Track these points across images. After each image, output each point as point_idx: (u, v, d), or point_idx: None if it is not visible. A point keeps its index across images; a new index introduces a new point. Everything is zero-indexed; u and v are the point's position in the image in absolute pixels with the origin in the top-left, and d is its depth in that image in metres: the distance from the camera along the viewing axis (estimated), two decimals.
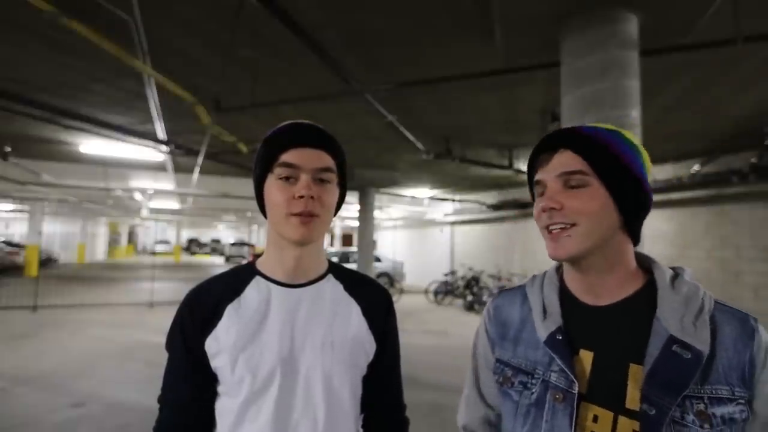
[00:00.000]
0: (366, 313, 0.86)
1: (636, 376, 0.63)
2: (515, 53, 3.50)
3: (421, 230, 17.89)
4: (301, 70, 3.99)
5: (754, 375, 0.61)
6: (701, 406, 0.59)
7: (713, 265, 7.09)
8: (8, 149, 6.98)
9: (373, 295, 0.90)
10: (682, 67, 3.81)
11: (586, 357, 0.68)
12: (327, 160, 0.80)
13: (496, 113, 5.20)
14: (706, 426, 0.59)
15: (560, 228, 0.68)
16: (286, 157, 0.77)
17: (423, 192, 12.03)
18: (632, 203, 0.68)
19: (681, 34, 3.08)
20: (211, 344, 0.79)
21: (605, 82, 2.66)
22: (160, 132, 5.11)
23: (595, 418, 0.64)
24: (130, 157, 7.48)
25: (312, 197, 0.76)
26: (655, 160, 7.57)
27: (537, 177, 0.72)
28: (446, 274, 12.55)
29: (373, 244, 11.62)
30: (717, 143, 6.36)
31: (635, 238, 0.71)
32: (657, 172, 7.72)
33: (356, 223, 10.00)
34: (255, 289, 0.83)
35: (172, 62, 3.85)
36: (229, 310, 0.81)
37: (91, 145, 6.75)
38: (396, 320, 0.93)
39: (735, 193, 6.58)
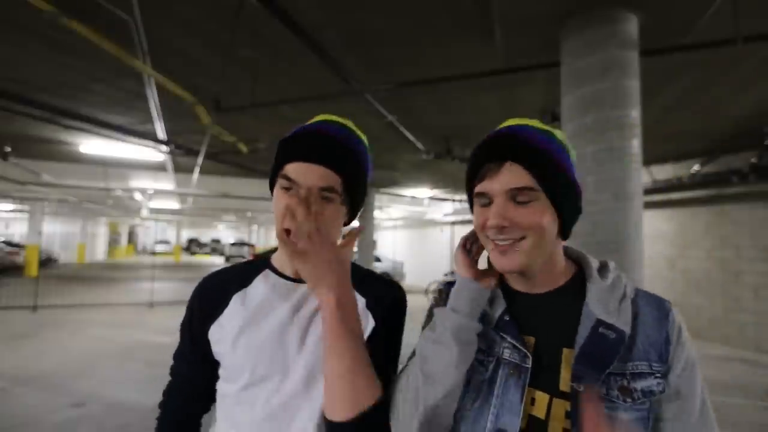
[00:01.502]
0: (369, 305, 0.84)
1: (568, 359, 0.67)
2: (515, 53, 3.50)
3: (421, 230, 17.89)
4: (301, 70, 4.00)
5: (669, 351, 0.66)
6: (624, 382, 0.65)
7: (713, 265, 7.09)
8: (8, 149, 6.98)
9: (380, 290, 0.87)
10: (682, 67, 3.81)
11: (530, 342, 0.71)
12: (330, 179, 0.75)
13: (496, 113, 5.20)
14: (629, 400, 0.64)
15: (508, 243, 0.68)
16: (289, 169, 0.75)
17: (423, 192, 12.03)
18: (571, 210, 0.71)
19: (681, 34, 3.08)
20: (214, 331, 0.82)
21: (605, 82, 2.66)
22: (160, 132, 5.11)
23: (533, 401, 0.68)
24: (130, 157, 7.47)
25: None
26: (656, 160, 7.57)
27: (481, 188, 0.70)
28: (446, 274, 12.56)
29: (373, 244, 11.62)
30: (717, 143, 6.37)
31: (566, 237, 0.74)
32: (657, 172, 7.73)
33: (356, 223, 10.01)
34: (263, 282, 0.85)
35: (172, 62, 3.85)
36: (235, 299, 0.83)
37: (91, 145, 6.75)
38: (404, 315, 0.87)
39: (735, 193, 6.58)
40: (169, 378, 0.93)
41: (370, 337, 0.80)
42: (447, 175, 9.55)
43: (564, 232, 0.72)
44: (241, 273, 0.88)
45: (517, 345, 0.70)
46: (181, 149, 5.58)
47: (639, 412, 0.64)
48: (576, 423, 0.63)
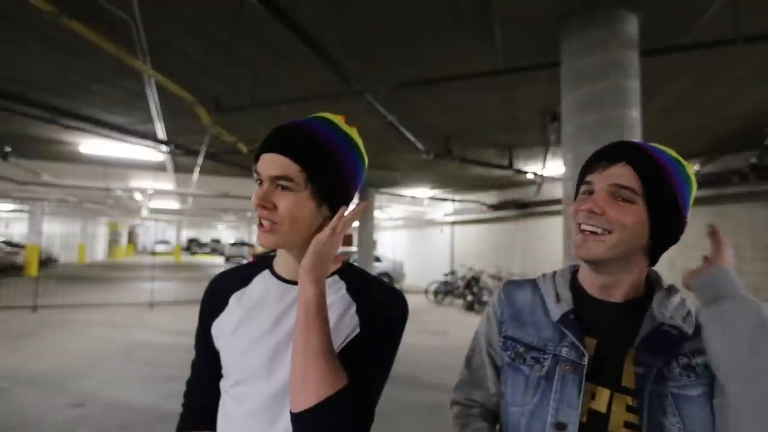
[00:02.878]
0: (360, 309, 0.81)
1: (631, 357, 0.72)
2: (515, 53, 3.50)
3: (421, 230, 17.89)
4: (301, 70, 4.00)
5: None
6: (685, 360, 0.70)
7: None
8: (8, 149, 6.98)
9: (375, 294, 0.83)
10: (682, 67, 3.81)
11: (591, 343, 0.75)
12: (285, 168, 0.74)
13: (496, 113, 5.20)
14: (692, 375, 0.69)
15: (592, 231, 0.73)
16: (259, 163, 0.78)
17: (423, 192, 12.03)
18: (666, 232, 0.74)
19: (681, 34, 3.08)
20: (215, 328, 0.86)
21: (605, 82, 2.66)
22: (160, 132, 5.11)
23: (593, 396, 0.72)
24: (130, 157, 7.48)
25: (265, 206, 0.75)
26: None
27: (589, 178, 0.77)
28: (446, 274, 12.56)
29: (373, 244, 11.63)
30: (717, 143, 6.37)
31: (653, 261, 0.78)
32: None
33: (356, 223, 10.02)
34: (260, 282, 0.87)
35: (172, 62, 3.85)
36: (233, 299, 0.86)
37: (91, 145, 6.75)
38: (398, 325, 0.82)
39: (735, 193, 6.58)
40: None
41: (353, 342, 0.78)
42: (447, 175, 9.55)
43: (653, 253, 0.77)
44: (244, 273, 0.90)
45: (576, 343, 0.75)
46: (181, 149, 5.58)
47: (702, 387, 0.68)
48: (642, 410, 0.67)
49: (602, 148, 0.78)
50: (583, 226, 0.74)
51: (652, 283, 0.80)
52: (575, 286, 0.83)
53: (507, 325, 0.86)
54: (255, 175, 0.78)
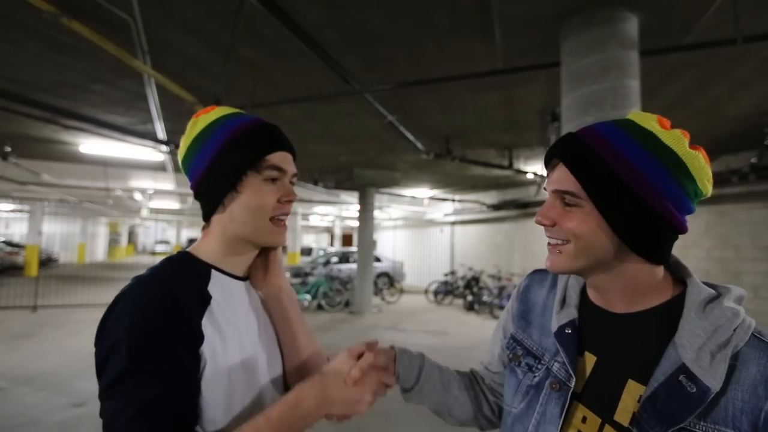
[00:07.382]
0: None
1: (632, 393, 0.61)
2: (515, 53, 3.50)
3: (421, 230, 17.88)
4: (301, 70, 4.00)
5: None
6: None
7: (713, 265, 7.09)
8: (8, 149, 6.98)
9: None
10: (682, 67, 3.81)
11: (590, 360, 0.68)
12: (294, 165, 0.84)
13: (496, 113, 5.20)
14: None
15: (554, 243, 0.67)
16: (276, 159, 0.77)
17: (423, 192, 12.03)
18: (633, 228, 0.61)
19: (681, 34, 3.08)
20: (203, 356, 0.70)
21: (605, 82, 2.66)
22: (160, 132, 5.10)
23: (584, 419, 0.65)
24: (130, 157, 7.48)
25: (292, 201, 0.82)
26: None
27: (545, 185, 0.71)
28: (446, 274, 12.55)
29: (373, 244, 11.63)
30: (717, 143, 6.37)
31: (654, 259, 0.63)
32: None
33: (356, 223, 10.00)
34: (218, 290, 0.75)
35: (172, 62, 3.85)
36: (205, 326, 0.70)
37: (91, 145, 6.75)
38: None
39: (735, 193, 6.58)
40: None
41: None
42: (447, 175, 9.55)
43: (644, 253, 0.62)
44: (187, 286, 0.71)
45: (567, 364, 0.68)
46: None
47: None
48: None
49: (548, 150, 0.69)
50: (547, 239, 0.68)
51: (684, 288, 0.65)
52: (585, 290, 0.74)
53: (515, 323, 0.83)
54: (275, 171, 0.77)
